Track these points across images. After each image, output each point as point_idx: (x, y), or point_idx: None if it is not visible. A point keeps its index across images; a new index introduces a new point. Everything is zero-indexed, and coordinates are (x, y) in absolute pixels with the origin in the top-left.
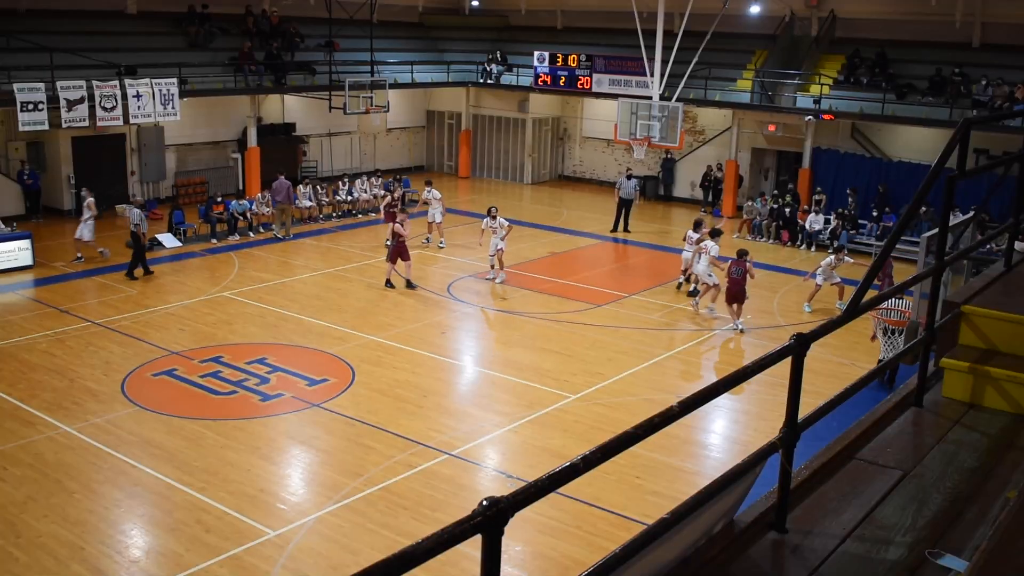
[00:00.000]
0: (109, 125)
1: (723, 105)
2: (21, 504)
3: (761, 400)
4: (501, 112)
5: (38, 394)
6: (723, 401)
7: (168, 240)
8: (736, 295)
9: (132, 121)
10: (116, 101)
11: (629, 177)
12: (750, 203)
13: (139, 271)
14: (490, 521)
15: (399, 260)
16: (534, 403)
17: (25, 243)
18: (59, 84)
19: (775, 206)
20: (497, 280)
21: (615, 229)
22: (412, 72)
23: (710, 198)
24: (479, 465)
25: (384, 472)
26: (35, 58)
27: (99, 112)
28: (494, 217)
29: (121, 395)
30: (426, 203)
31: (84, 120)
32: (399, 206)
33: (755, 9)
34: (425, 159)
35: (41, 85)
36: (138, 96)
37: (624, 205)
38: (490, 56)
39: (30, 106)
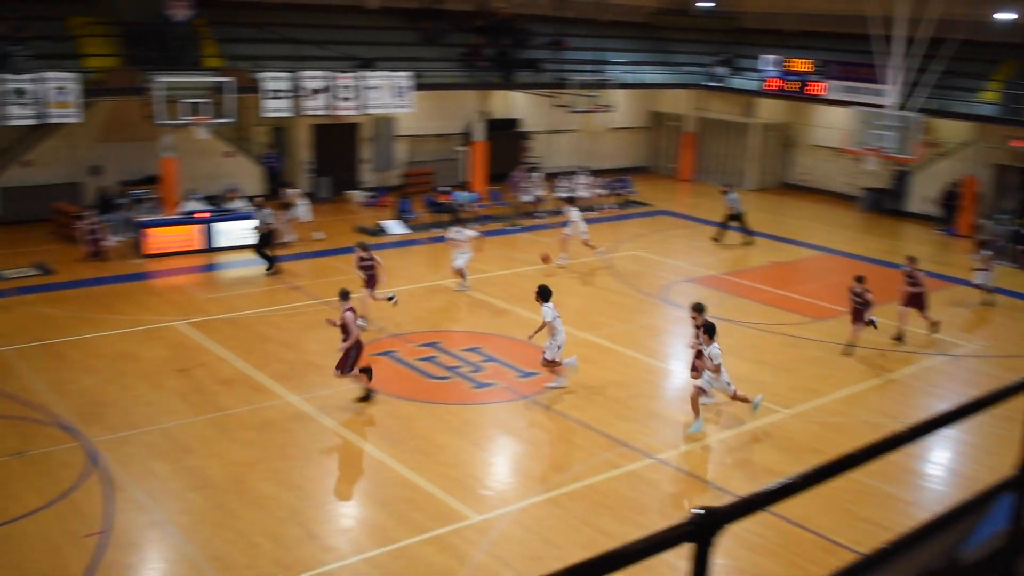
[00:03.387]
0: (345, 114)
1: (965, 117)
2: (248, 465)
3: (989, 433)
4: (726, 116)
5: (270, 364)
6: (947, 430)
7: (394, 227)
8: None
9: (367, 112)
10: (353, 92)
11: (729, 191)
12: (988, 223)
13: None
14: (704, 530)
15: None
16: (745, 415)
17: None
18: (302, 74)
19: (1019, 228)
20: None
21: (718, 239)
22: (638, 72)
23: (947, 215)
24: (684, 473)
25: (589, 469)
26: (282, 49)
27: (337, 102)
28: (460, 230)
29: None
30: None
31: (323, 109)
32: (375, 263)
33: (1006, 16)
34: (647, 160)
35: (286, 75)
36: (374, 88)
37: (733, 218)
38: (718, 58)
39: (275, 94)
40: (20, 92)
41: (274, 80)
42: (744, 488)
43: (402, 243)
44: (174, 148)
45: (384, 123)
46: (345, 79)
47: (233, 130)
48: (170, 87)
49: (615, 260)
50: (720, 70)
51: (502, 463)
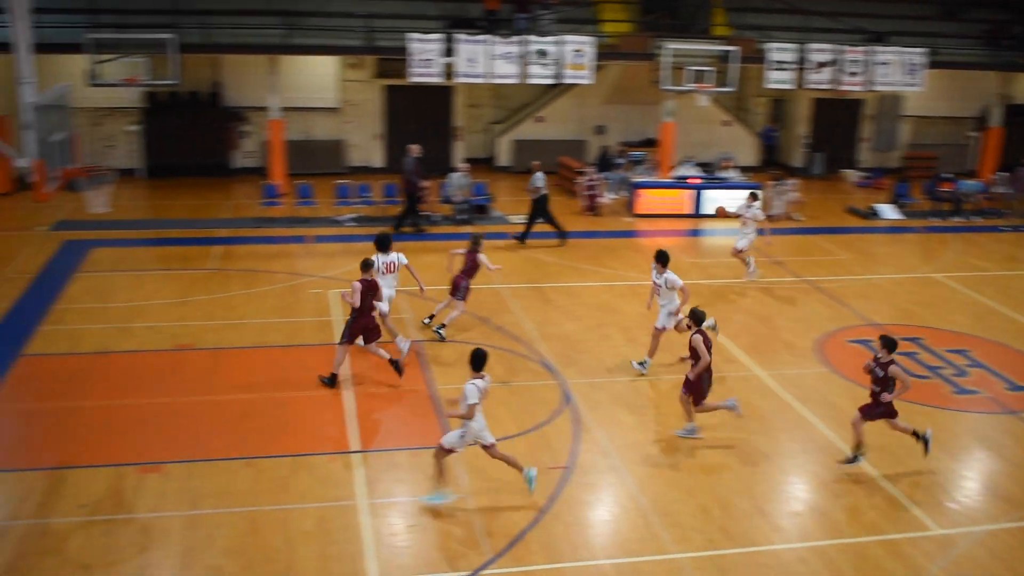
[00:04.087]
0: (850, 90)
1: None
2: (709, 430)
3: None
4: None
5: (741, 335)
6: None
7: (888, 211)
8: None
9: (873, 88)
10: (861, 67)
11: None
12: None
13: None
14: None
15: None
16: None
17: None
18: (810, 46)
19: None
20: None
21: None
22: None
23: None
24: None
25: None
26: (790, 20)
27: (843, 76)
28: (660, 272)
29: (814, 354)
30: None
31: (827, 83)
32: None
33: None
34: None
35: (792, 46)
36: (884, 63)
37: None
38: None
39: (779, 65)
40: (542, 53)
41: (780, 51)
42: None
43: (894, 229)
44: (674, 113)
45: (889, 101)
46: (854, 53)
47: (732, 99)
48: (677, 54)
49: None
50: None
51: (975, 478)
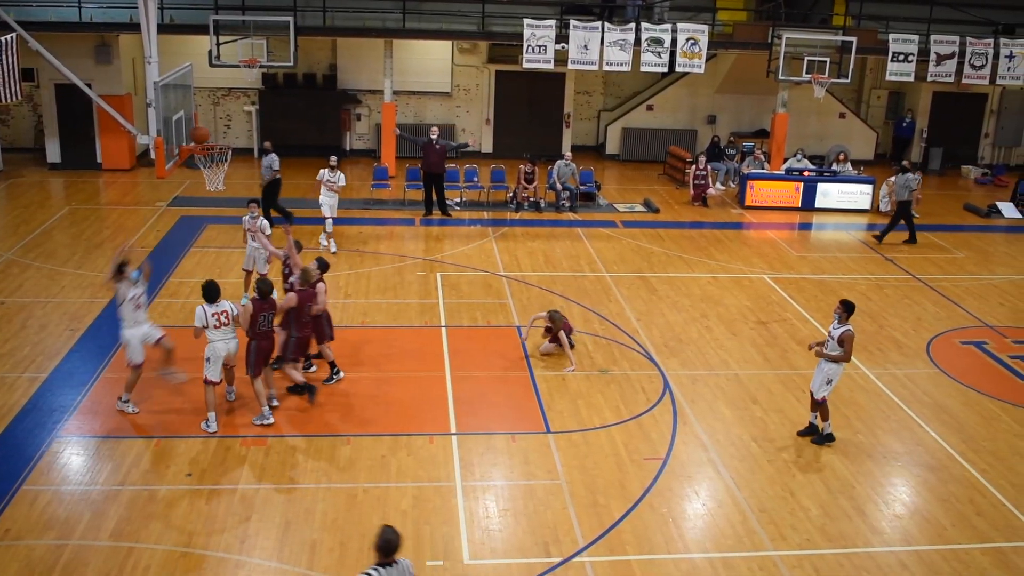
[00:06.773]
0: (973, 83)
1: None
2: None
3: None
4: None
5: None
6: None
7: (1008, 210)
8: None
9: (998, 82)
10: (986, 60)
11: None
12: None
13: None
14: None
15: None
16: None
17: (867, 188)
18: (932, 38)
19: None
20: None
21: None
22: None
23: None
24: None
25: None
26: (913, 10)
27: (966, 69)
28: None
29: (924, 354)
30: None
31: (949, 76)
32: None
33: None
34: None
35: (915, 37)
36: (1010, 56)
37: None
38: None
39: (900, 56)
40: (657, 41)
41: (901, 42)
42: None
43: (1015, 228)
44: (787, 104)
45: (1016, 95)
46: (979, 45)
47: (848, 91)
48: (794, 44)
49: None
50: None
51: None
